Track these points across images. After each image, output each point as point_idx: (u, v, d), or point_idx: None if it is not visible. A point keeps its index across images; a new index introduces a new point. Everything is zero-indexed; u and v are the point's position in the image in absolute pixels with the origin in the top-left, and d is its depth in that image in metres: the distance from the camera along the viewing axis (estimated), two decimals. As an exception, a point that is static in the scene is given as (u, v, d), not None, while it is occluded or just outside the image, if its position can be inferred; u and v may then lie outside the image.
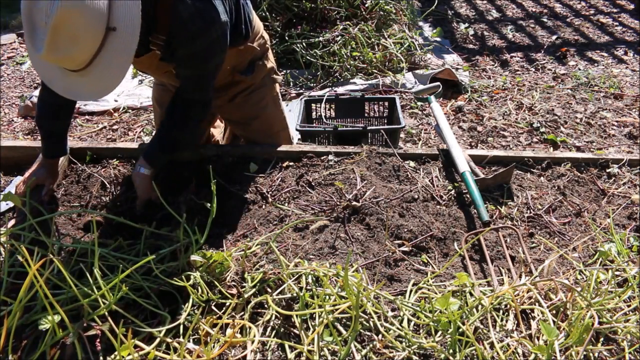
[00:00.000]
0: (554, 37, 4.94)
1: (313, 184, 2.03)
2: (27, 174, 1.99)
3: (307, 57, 3.93)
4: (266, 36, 2.22)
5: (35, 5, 1.41)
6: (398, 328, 1.36)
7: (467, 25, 5.08)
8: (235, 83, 2.19)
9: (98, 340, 1.32)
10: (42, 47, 1.40)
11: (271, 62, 2.28)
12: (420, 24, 5.05)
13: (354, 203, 1.86)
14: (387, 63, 4.04)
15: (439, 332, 1.35)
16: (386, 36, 4.16)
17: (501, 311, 1.44)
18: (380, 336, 1.35)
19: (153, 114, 2.47)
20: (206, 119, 1.92)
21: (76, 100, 1.83)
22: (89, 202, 2.01)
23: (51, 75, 1.60)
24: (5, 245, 1.60)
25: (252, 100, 2.24)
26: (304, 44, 3.96)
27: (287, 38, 3.99)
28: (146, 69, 2.05)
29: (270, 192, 2.00)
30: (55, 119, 1.96)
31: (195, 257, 1.47)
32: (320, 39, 3.96)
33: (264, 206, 1.96)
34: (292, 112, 3.26)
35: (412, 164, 2.18)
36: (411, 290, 1.53)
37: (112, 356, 1.29)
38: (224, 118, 2.50)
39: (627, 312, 1.43)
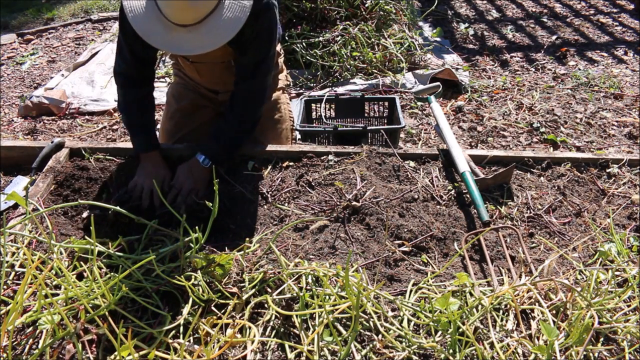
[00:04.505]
0: (554, 37, 4.94)
1: (313, 184, 2.03)
2: (133, 185, 1.97)
3: (307, 57, 3.93)
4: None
5: None
6: (398, 328, 1.36)
7: (467, 25, 5.08)
8: None
9: (94, 345, 1.32)
10: None
11: (281, 52, 2.44)
12: (420, 24, 5.05)
13: (354, 203, 1.86)
14: (387, 63, 4.04)
15: (439, 332, 1.35)
16: (386, 36, 4.16)
17: (501, 311, 1.44)
18: (380, 336, 1.35)
19: (165, 108, 2.50)
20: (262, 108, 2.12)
21: (176, 53, 1.92)
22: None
23: (152, 29, 1.71)
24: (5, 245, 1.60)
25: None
26: (304, 44, 3.96)
27: (287, 38, 3.99)
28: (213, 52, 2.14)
29: (270, 192, 2.00)
30: (142, 111, 2.07)
31: (197, 258, 1.47)
32: (320, 39, 3.96)
33: (264, 206, 1.96)
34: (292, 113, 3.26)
35: (412, 164, 2.18)
36: (411, 290, 1.53)
37: (112, 356, 1.29)
38: None
39: (627, 312, 1.43)
